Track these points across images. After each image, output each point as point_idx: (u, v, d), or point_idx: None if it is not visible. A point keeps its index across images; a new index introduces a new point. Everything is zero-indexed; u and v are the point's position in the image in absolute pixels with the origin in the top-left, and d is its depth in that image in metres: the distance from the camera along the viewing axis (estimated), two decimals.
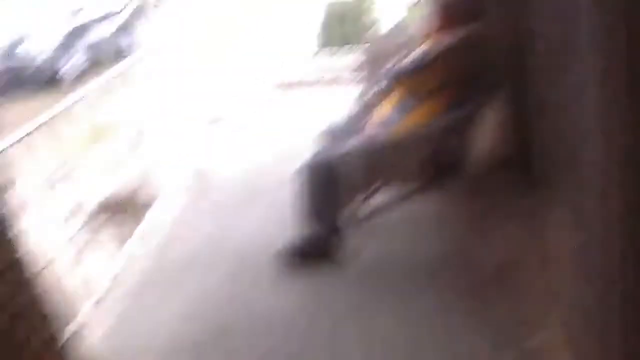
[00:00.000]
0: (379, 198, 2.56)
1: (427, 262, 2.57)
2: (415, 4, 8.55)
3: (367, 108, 2.73)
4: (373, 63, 3.61)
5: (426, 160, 2.36)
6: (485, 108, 2.43)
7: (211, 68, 4.82)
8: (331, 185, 2.45)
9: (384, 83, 2.54)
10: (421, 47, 2.45)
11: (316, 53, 6.82)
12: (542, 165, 2.37)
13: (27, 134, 2.19)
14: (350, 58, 5.74)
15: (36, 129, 2.23)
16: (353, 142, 2.48)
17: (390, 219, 2.61)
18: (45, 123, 2.28)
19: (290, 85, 5.59)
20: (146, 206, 3.28)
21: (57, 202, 2.49)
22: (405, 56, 2.45)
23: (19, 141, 2.14)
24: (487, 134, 2.61)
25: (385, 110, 2.51)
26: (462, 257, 2.54)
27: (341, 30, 7.04)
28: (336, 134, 2.72)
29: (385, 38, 4.12)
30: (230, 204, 3.37)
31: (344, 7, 7.22)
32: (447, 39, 2.33)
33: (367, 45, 4.09)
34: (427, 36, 2.52)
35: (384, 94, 2.59)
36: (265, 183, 3.57)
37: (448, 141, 2.40)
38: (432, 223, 2.81)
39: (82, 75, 9.99)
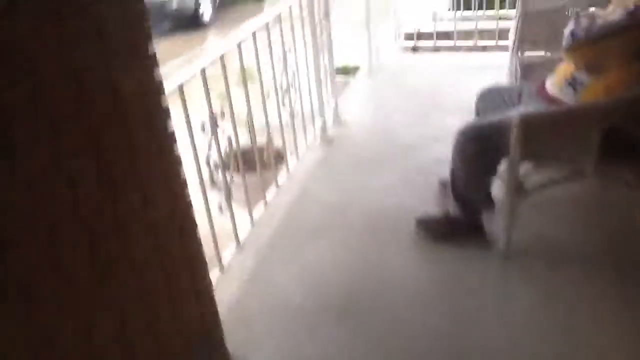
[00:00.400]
0: (542, 173, 2.32)
1: (586, 249, 2.35)
2: None
3: (534, 72, 2.45)
4: (530, 25, 3.26)
5: (604, 138, 2.07)
6: None
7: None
8: (493, 155, 2.21)
9: (561, 47, 2.23)
10: (610, 12, 2.11)
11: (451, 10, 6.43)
12: None
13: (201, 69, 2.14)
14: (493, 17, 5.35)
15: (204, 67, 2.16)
16: (525, 109, 2.23)
17: (551, 197, 2.38)
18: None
19: (425, 41, 5.31)
20: (280, 159, 3.24)
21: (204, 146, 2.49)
22: (590, 19, 2.12)
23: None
24: None
25: (561, 77, 2.22)
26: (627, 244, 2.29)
27: None
28: (498, 99, 2.48)
29: None
30: (367, 161, 3.24)
31: None
32: None
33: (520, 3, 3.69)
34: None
35: (558, 61, 2.30)
36: (403, 142, 3.42)
37: (629, 119, 2.09)
38: (600, 207, 2.54)
39: (217, 14, 10.19)
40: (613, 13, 2.09)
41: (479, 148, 2.23)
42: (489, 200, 2.46)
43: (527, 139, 2.09)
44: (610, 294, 2.10)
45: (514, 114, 2.10)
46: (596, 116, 2.08)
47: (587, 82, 2.11)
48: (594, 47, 2.07)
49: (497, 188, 2.41)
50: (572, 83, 2.14)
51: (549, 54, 2.73)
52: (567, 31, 2.15)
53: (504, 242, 2.32)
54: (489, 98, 2.53)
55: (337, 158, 3.36)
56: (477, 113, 2.56)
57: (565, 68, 2.21)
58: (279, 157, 3.26)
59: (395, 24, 5.29)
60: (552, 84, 2.24)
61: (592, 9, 3.22)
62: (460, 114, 3.53)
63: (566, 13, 3.39)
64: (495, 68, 4.09)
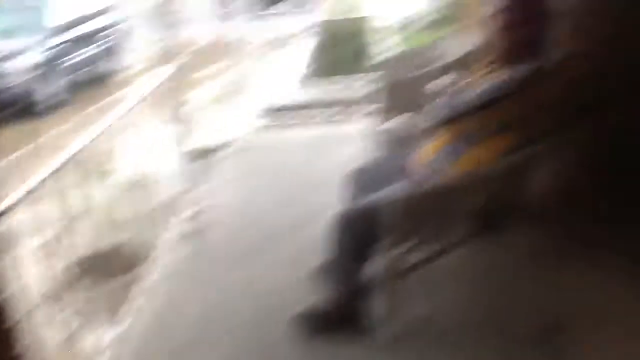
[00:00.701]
0: (420, 250, 2.18)
1: (471, 323, 2.20)
2: (423, 25, 8.30)
3: (403, 148, 2.35)
4: (394, 94, 3.23)
5: (478, 208, 1.98)
6: (548, 150, 2.07)
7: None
8: (369, 238, 2.07)
9: (429, 122, 2.15)
10: (478, 82, 2.07)
11: (308, 80, 6.48)
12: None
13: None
14: (352, 86, 5.41)
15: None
16: (395, 188, 2.10)
17: (430, 273, 2.23)
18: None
19: (284, 115, 5.21)
20: (139, 262, 2.84)
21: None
22: (457, 92, 2.07)
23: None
24: (545, 178, 2.25)
25: (430, 151, 2.12)
26: (510, 314, 2.19)
27: (338, 54, 6.67)
28: (371, 178, 2.33)
29: (404, 65, 3.74)
30: (239, 253, 2.94)
31: (340, 27, 6.83)
32: (516, 73, 1.94)
33: (381, 72, 3.70)
34: (482, 69, 2.15)
35: (427, 134, 2.21)
36: (276, 227, 3.17)
37: (504, 188, 2.02)
38: (479, 277, 2.44)
39: (61, 103, 9.25)
40: (483, 83, 2.04)
41: (355, 235, 2.09)
42: (367, 285, 2.28)
43: (404, 220, 1.94)
44: None
45: (389, 194, 1.95)
46: (472, 188, 1.98)
47: (460, 155, 2.02)
48: (467, 121, 2.00)
49: (375, 271, 2.25)
50: (445, 156, 2.06)
51: (417, 124, 2.66)
52: (440, 103, 2.08)
53: (387, 328, 2.12)
54: (362, 177, 2.39)
55: (205, 253, 3.02)
56: (351, 194, 2.39)
57: (437, 141, 2.12)
58: (139, 260, 2.85)
59: (255, 99, 5.14)
60: (424, 158, 2.14)
61: (451, 75, 3.29)
62: (332, 191, 3.39)
63: (429, 80, 3.44)
64: (363, 137, 4.04)
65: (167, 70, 2.99)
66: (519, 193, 2.11)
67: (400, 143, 2.51)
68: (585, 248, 2.14)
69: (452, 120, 2.02)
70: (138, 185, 2.81)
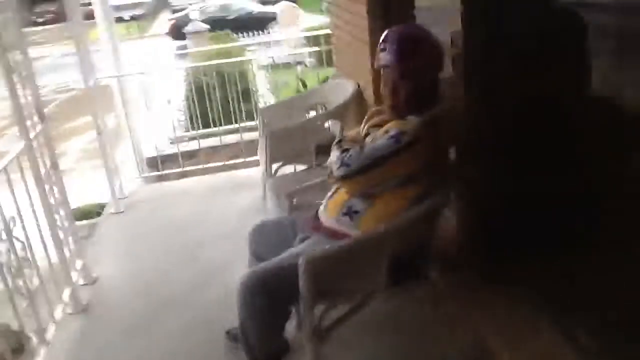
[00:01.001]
0: (332, 311, 2.16)
1: None
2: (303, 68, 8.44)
3: (303, 202, 2.33)
4: (276, 143, 3.22)
5: (390, 261, 1.99)
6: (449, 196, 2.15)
7: None
8: (284, 303, 2.02)
9: (327, 176, 2.14)
10: (373, 135, 2.09)
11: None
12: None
13: None
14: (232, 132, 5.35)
15: None
16: (300, 249, 2.06)
17: (344, 331, 2.21)
18: None
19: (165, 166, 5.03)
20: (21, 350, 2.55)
21: None
22: (350, 145, 2.07)
23: None
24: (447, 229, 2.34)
25: (334, 207, 2.11)
26: None
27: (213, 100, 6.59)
28: (273, 236, 2.28)
29: (285, 111, 3.77)
30: (133, 327, 2.73)
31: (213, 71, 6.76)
32: (413, 125, 1.96)
33: (261, 119, 3.68)
34: (371, 118, 2.18)
35: (323, 188, 2.21)
36: (172, 292, 3.00)
37: (411, 240, 2.06)
38: (392, 331, 2.46)
39: None
40: (376, 135, 2.06)
41: (268, 300, 1.99)
42: (285, 346, 2.22)
43: (317, 281, 1.91)
44: None
45: (299, 256, 1.91)
46: (382, 244, 2.00)
47: (363, 210, 2.03)
48: (365, 176, 2.00)
49: (293, 333, 2.20)
50: (348, 212, 2.05)
51: (311, 178, 2.66)
52: (334, 158, 2.06)
53: None
54: (263, 236, 2.32)
55: (95, 331, 2.78)
56: (254, 253, 2.32)
57: (338, 197, 2.11)
58: (20, 348, 2.57)
59: (134, 152, 4.86)
60: (327, 215, 2.12)
61: (336, 123, 3.36)
62: (227, 243, 3.29)
63: (311, 128, 3.49)
64: (251, 185, 4.00)
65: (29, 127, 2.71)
66: (427, 242, 2.16)
67: (302, 199, 2.48)
68: (492, 285, 2.20)
69: (353, 176, 2.01)
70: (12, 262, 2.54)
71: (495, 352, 2.05)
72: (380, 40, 2.10)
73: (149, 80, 5.71)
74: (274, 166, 3.45)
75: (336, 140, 2.17)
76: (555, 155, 2.16)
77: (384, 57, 2.07)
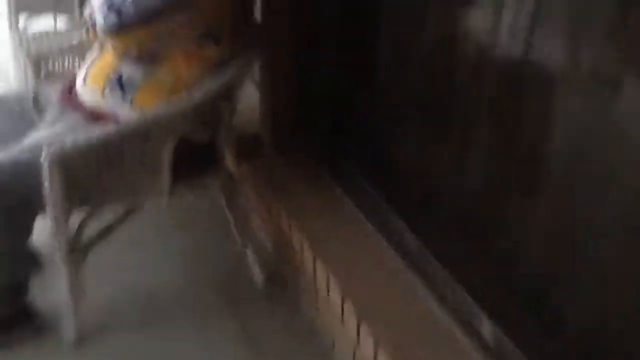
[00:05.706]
0: (99, 216, 1.63)
1: (184, 291, 1.81)
2: None
3: (53, 70, 1.66)
4: None
5: (170, 153, 1.50)
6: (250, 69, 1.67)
7: None
8: (24, 210, 1.43)
9: (90, 36, 1.51)
10: None
11: None
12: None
13: None
14: None
15: None
16: (46, 136, 1.46)
17: (117, 242, 1.71)
18: None
19: None
20: None
21: None
22: None
23: None
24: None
25: (98, 75, 1.51)
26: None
27: None
28: (6, 117, 1.61)
29: None
30: None
31: None
32: None
33: None
34: None
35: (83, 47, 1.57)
36: None
37: (204, 122, 1.56)
38: (180, 234, 2.02)
39: None
40: None
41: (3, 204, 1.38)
42: (33, 270, 1.65)
43: (71, 181, 1.36)
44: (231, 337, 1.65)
45: (40, 146, 1.33)
46: (164, 130, 1.48)
47: (140, 79, 1.47)
48: (146, 27, 1.42)
49: (41, 250, 1.64)
50: (119, 83, 1.47)
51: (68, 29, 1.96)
52: (97, 2, 1.42)
53: (73, 323, 1.58)
54: None
55: None
56: None
57: (103, 62, 1.51)
58: None
59: None
60: (87, 87, 1.51)
61: None
62: None
63: None
64: None
65: None
66: (226, 124, 1.67)
67: (41, 60, 1.77)
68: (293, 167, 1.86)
69: (132, 28, 1.41)
70: None
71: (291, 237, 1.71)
72: None
73: None
74: (22, 18, 2.56)
75: None
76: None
77: None
